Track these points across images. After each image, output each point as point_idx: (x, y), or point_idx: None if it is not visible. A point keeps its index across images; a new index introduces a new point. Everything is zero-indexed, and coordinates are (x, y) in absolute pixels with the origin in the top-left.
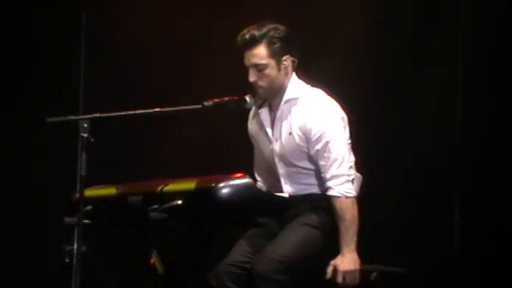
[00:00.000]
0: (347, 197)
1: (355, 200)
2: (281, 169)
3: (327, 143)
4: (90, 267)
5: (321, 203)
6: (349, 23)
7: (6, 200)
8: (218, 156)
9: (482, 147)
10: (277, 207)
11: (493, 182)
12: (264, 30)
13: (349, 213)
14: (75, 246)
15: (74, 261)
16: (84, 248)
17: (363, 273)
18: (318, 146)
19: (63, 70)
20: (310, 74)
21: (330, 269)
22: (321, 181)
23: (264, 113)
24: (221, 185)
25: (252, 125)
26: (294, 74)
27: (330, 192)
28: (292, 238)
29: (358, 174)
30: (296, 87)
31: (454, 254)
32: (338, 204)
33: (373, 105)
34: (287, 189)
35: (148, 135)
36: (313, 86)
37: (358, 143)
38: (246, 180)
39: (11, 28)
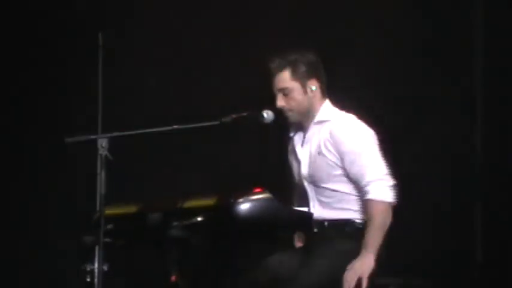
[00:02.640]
0: (382, 201)
1: (389, 206)
2: (310, 192)
3: (360, 153)
4: (111, 286)
5: (350, 230)
6: (366, 36)
7: (26, 219)
8: (237, 172)
9: (502, 156)
10: (298, 222)
11: None
12: (289, 56)
13: (378, 218)
14: (96, 265)
15: (95, 280)
16: (105, 267)
17: (380, 287)
18: (352, 157)
19: (81, 89)
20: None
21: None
22: (350, 206)
23: (297, 136)
24: (241, 200)
25: (289, 153)
26: (327, 100)
27: (366, 196)
28: (324, 263)
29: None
30: (328, 110)
31: (476, 265)
32: (370, 206)
33: (391, 117)
34: (316, 213)
35: (167, 153)
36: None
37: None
38: (266, 195)
39: (29, 48)
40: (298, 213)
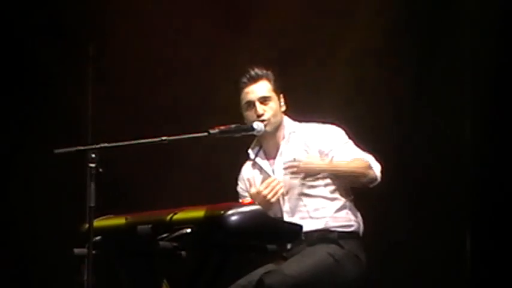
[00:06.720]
0: (375, 173)
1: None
2: (286, 206)
3: (345, 143)
4: None
5: (330, 236)
6: (357, 38)
7: (16, 232)
8: (226, 184)
9: (491, 167)
10: (287, 234)
11: (503, 203)
12: (264, 70)
13: (369, 174)
14: (86, 277)
15: None
16: (94, 279)
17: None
18: (339, 146)
19: (71, 101)
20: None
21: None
22: (325, 213)
23: (260, 156)
24: (230, 212)
25: (248, 176)
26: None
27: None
28: (307, 260)
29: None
30: (292, 123)
31: (466, 277)
32: (366, 165)
33: (380, 123)
34: None
35: (156, 164)
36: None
37: None
38: (256, 207)
39: (18, 59)
40: (288, 225)
